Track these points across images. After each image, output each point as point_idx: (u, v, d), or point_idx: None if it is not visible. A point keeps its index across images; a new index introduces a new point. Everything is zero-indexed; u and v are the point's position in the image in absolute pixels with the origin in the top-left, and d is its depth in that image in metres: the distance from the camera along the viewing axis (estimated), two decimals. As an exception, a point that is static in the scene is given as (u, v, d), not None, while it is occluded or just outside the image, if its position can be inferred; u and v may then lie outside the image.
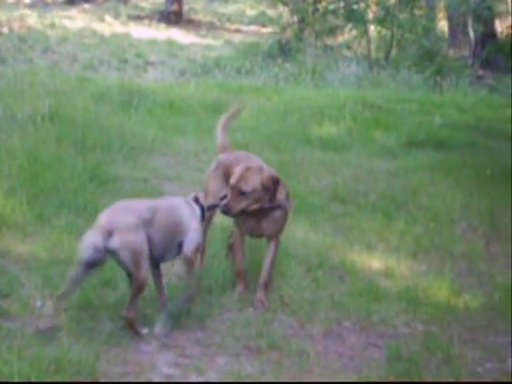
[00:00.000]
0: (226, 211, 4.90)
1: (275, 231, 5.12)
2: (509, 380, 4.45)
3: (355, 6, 19.34)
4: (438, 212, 7.29)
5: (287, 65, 17.36)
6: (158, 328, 4.55)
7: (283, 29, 20.50)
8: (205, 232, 5.23)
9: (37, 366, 3.92)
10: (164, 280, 4.76)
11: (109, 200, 5.59)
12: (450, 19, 21.12)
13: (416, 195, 7.76)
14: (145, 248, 4.39)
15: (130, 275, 4.44)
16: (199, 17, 25.57)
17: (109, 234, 4.28)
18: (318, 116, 11.08)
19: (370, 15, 19.57)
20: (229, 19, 25.77)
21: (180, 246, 4.65)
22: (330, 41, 20.10)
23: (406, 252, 6.26)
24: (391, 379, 4.29)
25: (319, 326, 4.85)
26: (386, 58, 18.53)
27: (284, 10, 20.98)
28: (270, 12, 21.48)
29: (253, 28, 24.40)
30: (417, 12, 19.77)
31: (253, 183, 4.88)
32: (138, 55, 18.52)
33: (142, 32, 21.62)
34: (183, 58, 19.03)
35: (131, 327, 4.44)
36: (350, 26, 19.93)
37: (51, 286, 4.88)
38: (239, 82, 14.91)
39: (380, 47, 19.56)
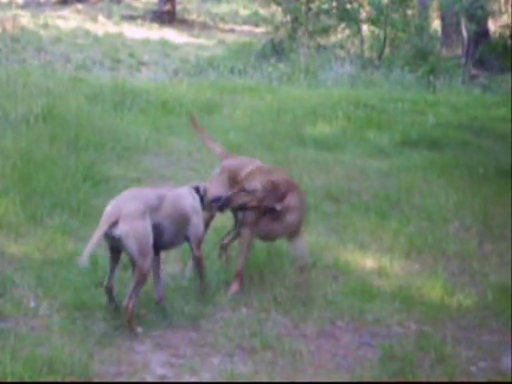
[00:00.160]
0: (226, 204, 4.96)
1: (288, 234, 5.25)
2: (502, 379, 4.46)
3: (348, 6, 19.38)
4: (431, 211, 7.30)
5: (280, 64, 17.35)
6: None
7: (276, 28, 20.47)
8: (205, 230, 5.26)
9: (30, 366, 3.92)
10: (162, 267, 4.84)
11: (102, 200, 5.59)
12: (442, 18, 21.11)
13: (409, 194, 7.76)
14: (150, 236, 4.38)
15: (133, 264, 4.44)
16: (192, 17, 25.53)
17: (115, 221, 4.28)
18: (311, 115, 11.07)
19: (363, 15, 19.60)
20: (222, 19, 25.75)
21: (184, 235, 4.72)
22: (323, 40, 20.09)
23: (400, 251, 6.26)
24: (385, 379, 4.30)
25: (313, 325, 4.85)
26: (379, 57, 18.55)
27: (277, 10, 20.94)
28: (263, 12, 21.44)
29: (246, 28, 24.37)
30: (410, 11, 19.82)
31: (255, 183, 4.98)
32: (131, 55, 18.47)
33: (135, 32, 21.57)
34: (176, 58, 19.00)
35: (128, 320, 4.41)
36: (343, 25, 20.00)
37: (44, 286, 4.88)
38: (232, 81, 14.88)
39: (373, 47, 19.58)
